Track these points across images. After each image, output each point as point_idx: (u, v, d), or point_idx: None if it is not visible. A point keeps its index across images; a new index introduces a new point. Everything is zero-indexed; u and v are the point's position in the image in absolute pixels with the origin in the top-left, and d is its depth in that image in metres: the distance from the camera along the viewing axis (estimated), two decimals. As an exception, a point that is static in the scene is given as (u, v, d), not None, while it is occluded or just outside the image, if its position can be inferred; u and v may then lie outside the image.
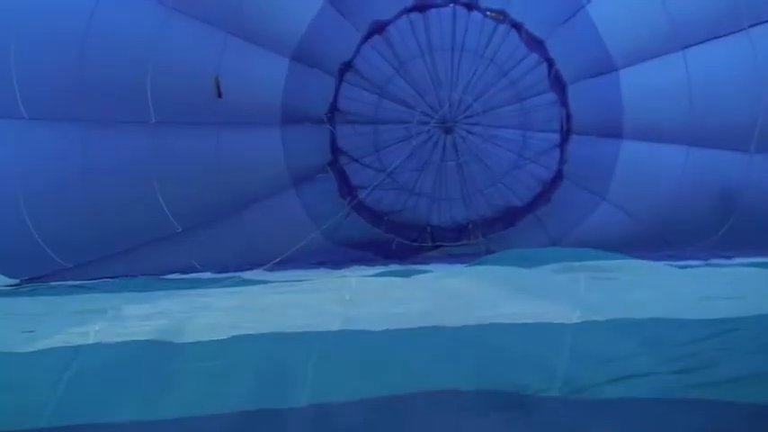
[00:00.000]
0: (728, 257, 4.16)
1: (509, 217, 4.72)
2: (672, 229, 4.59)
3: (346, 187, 4.63)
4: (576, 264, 3.75)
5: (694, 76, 4.41)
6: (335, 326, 2.94)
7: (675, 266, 3.86)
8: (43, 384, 2.65)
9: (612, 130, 4.56)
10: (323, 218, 4.57)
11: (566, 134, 4.61)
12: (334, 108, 4.55)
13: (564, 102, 4.60)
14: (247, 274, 4.17)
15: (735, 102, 4.40)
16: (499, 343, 2.81)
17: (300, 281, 3.89)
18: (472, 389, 2.54)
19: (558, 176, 4.64)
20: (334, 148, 4.60)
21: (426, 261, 4.59)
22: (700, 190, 4.51)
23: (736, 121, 4.41)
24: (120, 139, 4.18)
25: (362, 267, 4.32)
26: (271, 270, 4.30)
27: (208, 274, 4.26)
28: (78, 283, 4.08)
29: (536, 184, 4.64)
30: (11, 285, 4.08)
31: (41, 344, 2.85)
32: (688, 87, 4.41)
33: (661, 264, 3.89)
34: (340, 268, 4.32)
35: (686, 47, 4.42)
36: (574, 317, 2.96)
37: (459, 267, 4.04)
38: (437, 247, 4.79)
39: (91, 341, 2.88)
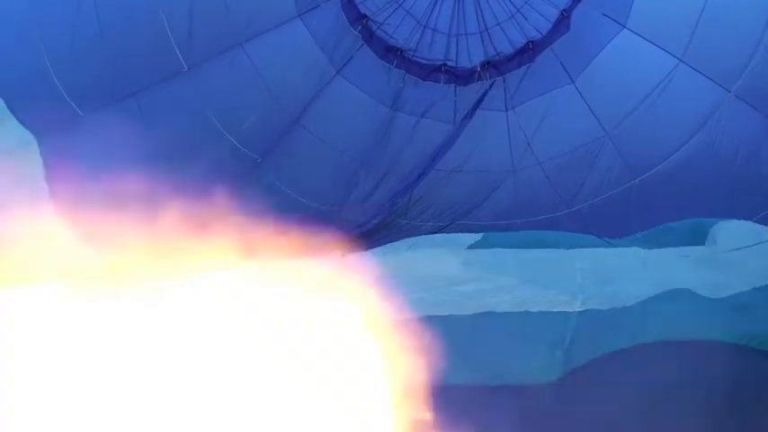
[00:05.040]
0: None
1: (527, 52, 4.48)
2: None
3: (355, 14, 4.40)
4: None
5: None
6: None
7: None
8: None
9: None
10: (333, 48, 4.40)
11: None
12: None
13: None
14: None
15: (739, 35, 4.36)
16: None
17: None
18: None
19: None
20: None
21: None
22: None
23: (732, 57, 4.36)
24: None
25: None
26: None
27: None
28: None
29: (554, 13, 4.38)
30: None
31: None
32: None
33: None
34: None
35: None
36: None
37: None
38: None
39: None
